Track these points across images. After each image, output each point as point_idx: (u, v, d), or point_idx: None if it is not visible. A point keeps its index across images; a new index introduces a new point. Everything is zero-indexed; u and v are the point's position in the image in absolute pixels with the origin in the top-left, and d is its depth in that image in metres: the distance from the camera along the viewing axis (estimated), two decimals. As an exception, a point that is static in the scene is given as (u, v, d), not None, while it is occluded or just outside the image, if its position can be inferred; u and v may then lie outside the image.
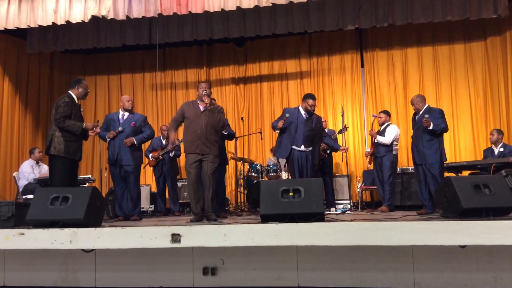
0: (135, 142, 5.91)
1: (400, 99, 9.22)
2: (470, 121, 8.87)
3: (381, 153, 6.73)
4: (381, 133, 6.79)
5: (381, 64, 9.42)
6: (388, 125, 6.88)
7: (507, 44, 8.35)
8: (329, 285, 3.99)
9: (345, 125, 7.32)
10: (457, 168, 7.05)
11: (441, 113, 5.89)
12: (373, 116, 7.19)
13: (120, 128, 5.94)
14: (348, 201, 7.53)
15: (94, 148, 10.09)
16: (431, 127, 5.68)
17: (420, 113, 5.93)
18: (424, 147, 5.76)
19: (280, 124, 5.85)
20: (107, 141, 5.98)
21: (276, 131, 6.09)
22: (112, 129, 5.98)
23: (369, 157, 6.97)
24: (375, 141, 6.78)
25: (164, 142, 7.77)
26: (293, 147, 5.88)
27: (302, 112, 6.01)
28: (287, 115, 5.91)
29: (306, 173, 5.87)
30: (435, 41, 9.18)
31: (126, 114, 6.08)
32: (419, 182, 5.92)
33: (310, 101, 5.97)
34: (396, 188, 7.27)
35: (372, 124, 7.10)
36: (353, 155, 9.14)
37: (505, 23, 8.27)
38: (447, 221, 3.50)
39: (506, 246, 3.44)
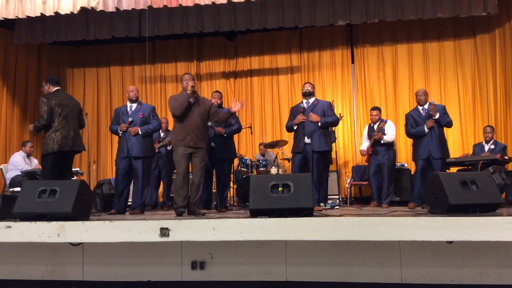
0: (140, 132, 5.84)
1: (390, 95, 9.26)
2: (459, 117, 8.93)
3: (383, 151, 6.74)
4: (380, 131, 6.80)
5: (371, 60, 9.45)
6: (384, 121, 6.92)
7: (496, 42, 8.43)
8: (317, 279, 4.01)
9: (340, 113, 7.31)
10: (446, 164, 7.08)
11: (445, 109, 6.13)
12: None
13: (130, 119, 5.90)
14: (337, 196, 7.56)
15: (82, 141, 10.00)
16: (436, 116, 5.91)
17: (426, 106, 6.10)
18: (439, 143, 5.93)
19: (299, 118, 5.88)
20: (120, 134, 5.92)
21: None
22: (122, 122, 5.93)
23: (367, 156, 6.94)
24: (381, 141, 6.76)
25: (162, 134, 7.72)
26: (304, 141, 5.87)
27: (304, 102, 6.06)
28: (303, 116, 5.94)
29: (312, 166, 5.82)
30: (425, 37, 9.22)
31: (134, 105, 6.02)
32: (418, 176, 6.01)
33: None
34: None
35: (381, 126, 6.84)
36: (342, 150, 9.17)
37: (494, 20, 8.33)
38: (434, 217, 3.53)
39: (492, 242, 3.47)
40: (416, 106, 6.28)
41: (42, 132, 5.36)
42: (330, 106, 6.12)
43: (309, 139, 5.79)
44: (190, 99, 5.01)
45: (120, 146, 5.92)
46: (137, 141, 5.83)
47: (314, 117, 5.81)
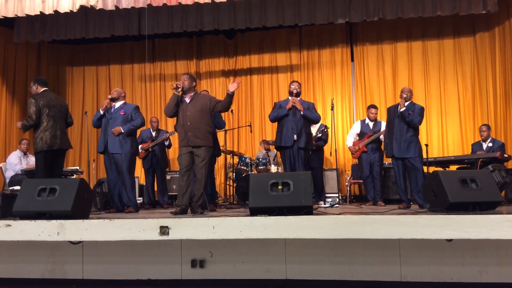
0: (122, 131, 5.82)
1: (389, 93, 9.26)
2: (458, 116, 8.94)
3: (374, 150, 6.81)
4: (378, 131, 6.84)
5: (371, 58, 9.45)
6: (379, 122, 6.97)
7: (495, 40, 8.43)
8: (317, 277, 4.01)
9: (325, 125, 7.30)
10: (445, 162, 7.10)
11: (421, 109, 5.86)
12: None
13: (109, 96, 5.96)
14: (337, 195, 7.56)
15: (82, 139, 10.02)
16: (402, 109, 5.71)
17: (406, 104, 5.81)
18: (406, 141, 5.70)
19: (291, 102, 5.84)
20: (101, 113, 5.92)
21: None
22: (103, 118, 5.94)
23: (357, 153, 6.96)
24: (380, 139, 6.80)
25: (154, 134, 7.74)
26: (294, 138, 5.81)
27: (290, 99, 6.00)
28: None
29: (298, 164, 5.79)
30: (425, 36, 9.22)
31: (117, 104, 6.02)
32: (399, 175, 5.85)
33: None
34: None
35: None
36: (342, 149, 9.16)
37: (494, 19, 8.33)
38: (434, 215, 3.53)
39: (491, 240, 3.48)
40: (399, 102, 6.03)
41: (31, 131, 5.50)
42: (314, 105, 6.16)
43: (296, 136, 5.78)
44: (178, 97, 5.01)
45: (99, 140, 5.94)
46: (116, 138, 5.82)
47: (298, 105, 5.81)
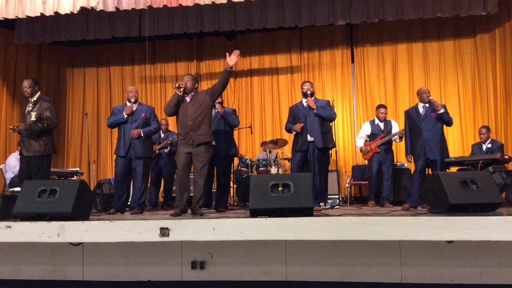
0: (142, 134, 5.84)
1: (390, 94, 9.26)
2: (459, 117, 8.93)
3: (387, 150, 6.77)
4: (390, 131, 6.83)
5: (371, 59, 9.45)
6: (389, 121, 6.96)
7: (496, 42, 8.43)
8: (317, 279, 4.01)
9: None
10: (445, 164, 7.08)
11: (445, 107, 5.89)
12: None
13: (133, 99, 5.92)
14: (337, 196, 7.55)
15: (82, 141, 10.01)
16: (441, 111, 5.71)
17: (428, 105, 5.81)
18: (438, 142, 5.71)
19: (298, 127, 5.78)
20: (125, 118, 5.87)
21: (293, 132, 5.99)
22: (128, 121, 5.92)
23: (370, 154, 6.91)
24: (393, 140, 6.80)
25: (162, 135, 7.72)
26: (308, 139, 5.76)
27: (304, 101, 5.93)
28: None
29: (313, 164, 5.74)
30: (425, 37, 9.22)
31: (134, 105, 6.00)
32: (418, 176, 5.77)
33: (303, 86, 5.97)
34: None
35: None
36: (342, 150, 9.17)
37: (494, 20, 8.34)
38: (434, 217, 3.53)
39: (492, 242, 3.47)
40: (417, 103, 6.03)
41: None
42: (329, 103, 6.06)
43: (312, 137, 5.75)
44: (179, 97, 5.00)
45: (119, 143, 5.91)
46: (139, 141, 5.83)
47: (312, 103, 5.75)
